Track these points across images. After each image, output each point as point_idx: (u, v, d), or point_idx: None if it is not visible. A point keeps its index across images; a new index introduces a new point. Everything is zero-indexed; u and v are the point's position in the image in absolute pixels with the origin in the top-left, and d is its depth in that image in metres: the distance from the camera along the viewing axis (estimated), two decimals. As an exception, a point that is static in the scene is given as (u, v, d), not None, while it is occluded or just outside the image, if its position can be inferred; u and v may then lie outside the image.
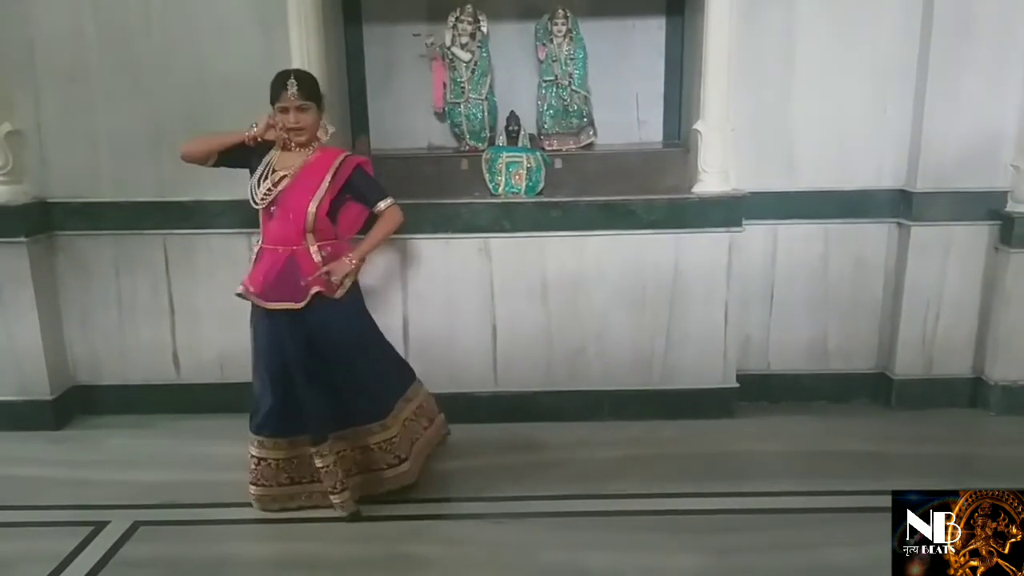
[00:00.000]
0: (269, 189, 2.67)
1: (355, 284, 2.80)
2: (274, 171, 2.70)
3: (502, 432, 3.35)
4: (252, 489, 2.81)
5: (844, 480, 2.97)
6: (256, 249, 2.78)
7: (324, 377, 2.72)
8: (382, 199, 2.80)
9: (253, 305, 2.75)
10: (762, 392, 3.66)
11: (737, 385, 3.52)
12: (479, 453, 3.22)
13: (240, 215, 3.50)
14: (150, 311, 3.62)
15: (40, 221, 3.49)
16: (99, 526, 2.77)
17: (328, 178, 2.69)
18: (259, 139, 2.68)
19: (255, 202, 2.69)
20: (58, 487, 3.07)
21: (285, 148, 2.72)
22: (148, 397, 3.67)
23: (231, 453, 3.27)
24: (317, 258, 2.68)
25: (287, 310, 2.67)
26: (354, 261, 2.72)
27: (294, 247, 2.69)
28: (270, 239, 2.72)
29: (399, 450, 2.83)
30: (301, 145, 2.71)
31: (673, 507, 2.83)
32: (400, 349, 3.40)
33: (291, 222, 2.68)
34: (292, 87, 2.61)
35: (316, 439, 2.72)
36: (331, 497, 2.74)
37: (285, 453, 2.80)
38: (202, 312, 3.63)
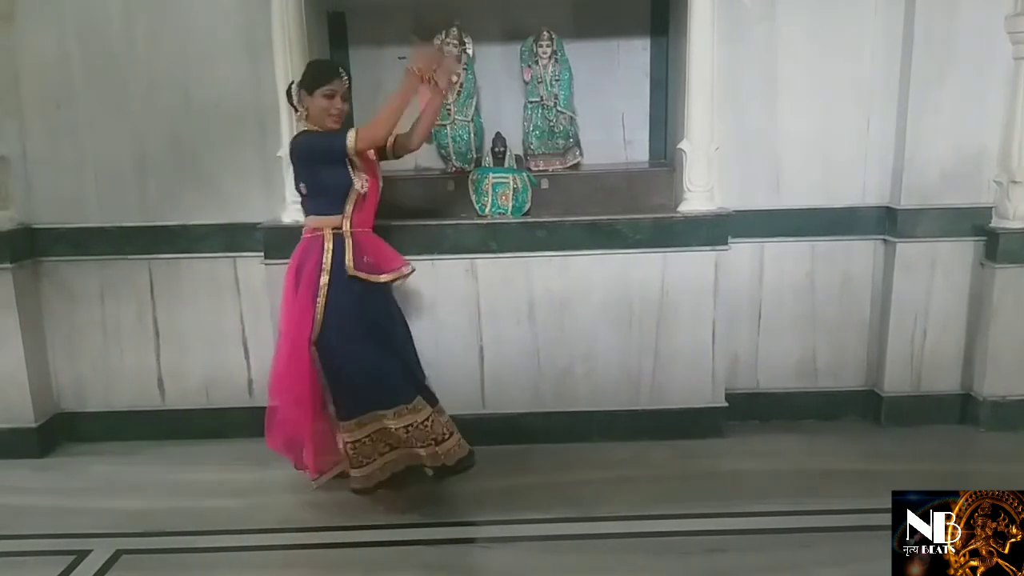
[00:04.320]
0: (362, 176, 2.80)
1: None
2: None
3: (489, 455, 3.30)
4: (358, 471, 2.85)
5: (834, 499, 2.95)
6: (329, 244, 2.77)
7: (405, 343, 2.98)
8: None
9: (339, 291, 2.75)
10: (751, 411, 3.65)
11: (726, 404, 3.51)
12: (465, 476, 3.16)
13: (225, 238, 3.52)
14: (135, 336, 3.61)
15: (25, 247, 3.49)
16: (81, 555, 2.73)
17: (372, 153, 2.90)
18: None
19: (357, 189, 2.79)
20: (41, 515, 3.03)
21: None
22: (133, 423, 3.65)
23: (217, 479, 3.26)
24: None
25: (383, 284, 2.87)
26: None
27: (370, 226, 2.91)
28: (364, 222, 2.87)
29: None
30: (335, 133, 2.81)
31: (662, 529, 2.81)
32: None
33: (374, 203, 2.90)
34: (345, 77, 2.78)
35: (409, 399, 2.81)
36: (437, 448, 2.80)
37: (377, 425, 2.81)
38: (187, 337, 3.61)
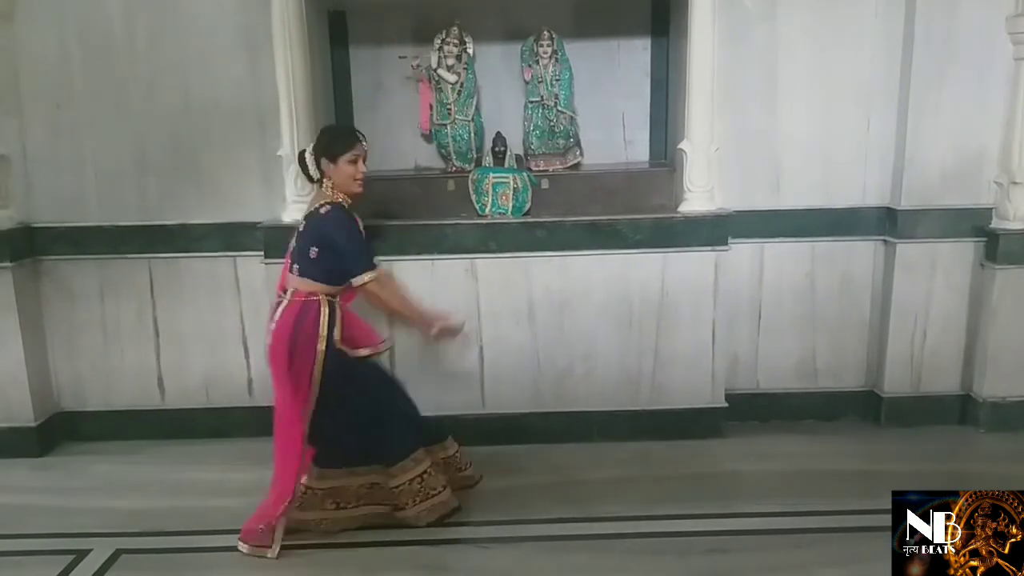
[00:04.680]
0: None
1: None
2: None
3: (489, 455, 3.32)
4: (300, 514, 2.75)
5: (834, 500, 2.95)
6: (325, 310, 2.68)
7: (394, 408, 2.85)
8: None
9: (335, 360, 2.68)
10: (751, 411, 3.65)
11: (726, 404, 3.50)
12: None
13: (224, 238, 3.52)
14: (135, 335, 3.61)
15: (25, 246, 3.49)
16: (81, 554, 2.73)
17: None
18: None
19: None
20: (40, 515, 3.03)
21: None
22: (133, 423, 3.64)
23: (217, 479, 3.27)
24: None
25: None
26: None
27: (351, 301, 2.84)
28: (346, 297, 2.79)
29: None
30: (355, 197, 2.76)
31: (662, 529, 2.81)
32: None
33: None
34: (364, 139, 2.73)
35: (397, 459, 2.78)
36: (404, 512, 2.79)
37: (339, 482, 2.77)
38: (187, 336, 3.61)
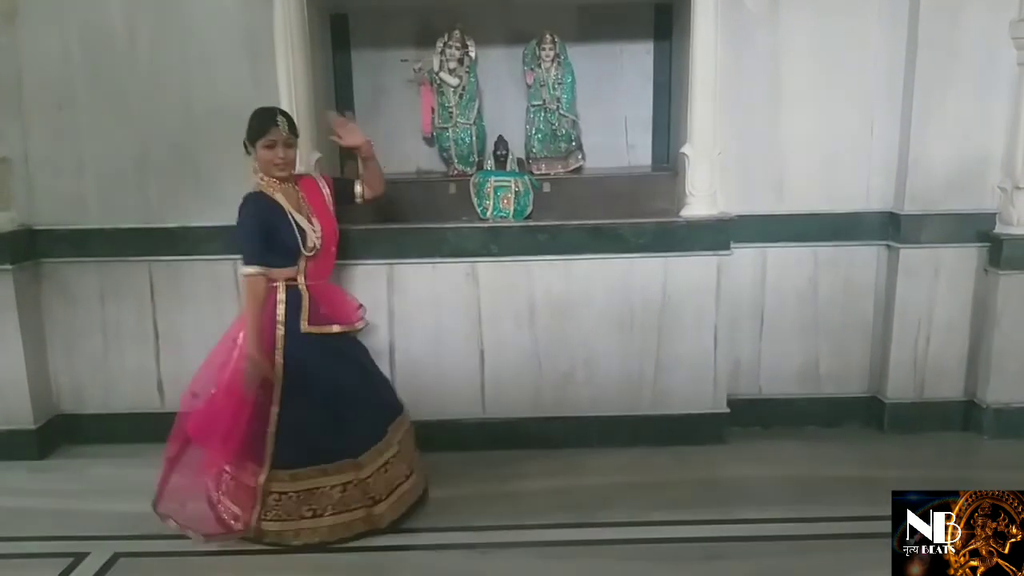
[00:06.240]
0: (315, 232, 2.75)
1: None
2: (302, 216, 2.75)
3: (489, 459, 3.31)
4: (271, 525, 2.74)
5: (837, 506, 2.93)
6: (281, 292, 2.72)
7: (363, 391, 2.82)
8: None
9: (291, 343, 2.70)
10: (754, 417, 3.63)
11: (728, 410, 3.48)
12: (465, 481, 3.17)
13: (225, 241, 3.49)
14: (135, 339, 3.59)
15: (26, 248, 3.48)
16: (79, 558, 2.72)
17: (329, 200, 2.86)
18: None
19: (306, 250, 2.73)
20: (39, 518, 3.02)
21: (282, 189, 2.75)
22: (132, 426, 3.62)
23: (215, 482, 3.23)
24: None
25: (337, 334, 2.78)
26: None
27: (327, 277, 2.86)
28: (313, 275, 2.78)
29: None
30: (282, 180, 2.75)
31: (663, 535, 2.79)
32: (386, 376, 3.39)
33: (331, 254, 2.84)
34: (283, 124, 2.69)
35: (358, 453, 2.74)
36: (372, 510, 2.76)
37: (310, 484, 2.73)
38: (187, 339, 3.59)
